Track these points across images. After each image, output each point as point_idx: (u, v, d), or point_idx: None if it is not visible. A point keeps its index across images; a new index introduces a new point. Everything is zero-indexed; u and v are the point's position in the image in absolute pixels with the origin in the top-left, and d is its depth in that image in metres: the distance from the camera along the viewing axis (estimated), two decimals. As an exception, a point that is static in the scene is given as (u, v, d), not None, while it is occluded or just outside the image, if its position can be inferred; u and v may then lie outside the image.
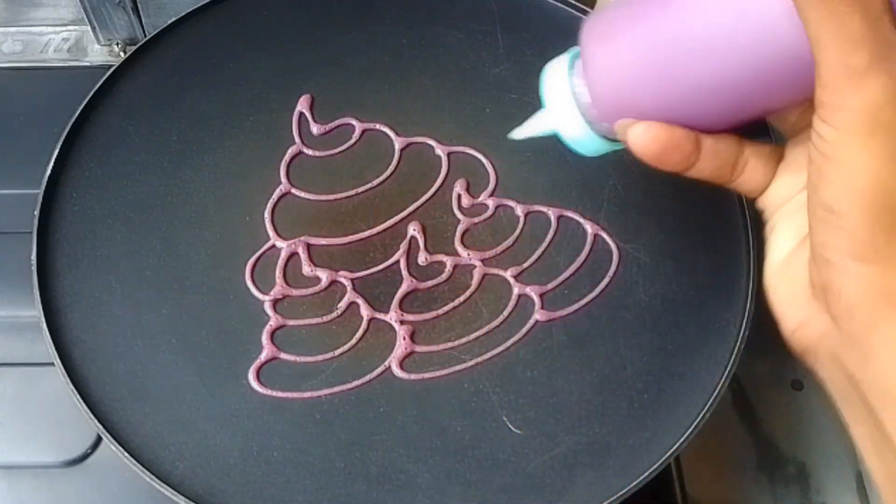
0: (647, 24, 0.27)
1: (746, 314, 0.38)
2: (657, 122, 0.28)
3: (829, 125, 0.23)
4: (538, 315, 0.38)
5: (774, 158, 0.30)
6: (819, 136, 0.24)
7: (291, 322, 0.38)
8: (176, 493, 0.34)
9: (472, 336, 0.38)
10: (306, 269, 0.39)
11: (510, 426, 0.36)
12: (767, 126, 0.32)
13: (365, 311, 0.38)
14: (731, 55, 0.26)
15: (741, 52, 0.25)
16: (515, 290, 0.39)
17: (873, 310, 0.24)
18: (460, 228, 0.40)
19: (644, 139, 0.28)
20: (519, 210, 0.41)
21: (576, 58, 0.31)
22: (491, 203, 0.41)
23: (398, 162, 0.42)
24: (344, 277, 0.39)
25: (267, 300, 0.38)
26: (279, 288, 0.39)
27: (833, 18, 0.22)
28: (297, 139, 0.43)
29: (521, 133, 0.34)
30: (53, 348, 0.36)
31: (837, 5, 0.22)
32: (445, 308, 0.39)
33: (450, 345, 0.38)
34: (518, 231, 0.40)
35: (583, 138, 0.31)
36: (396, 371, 0.37)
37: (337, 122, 0.43)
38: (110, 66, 0.44)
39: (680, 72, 0.27)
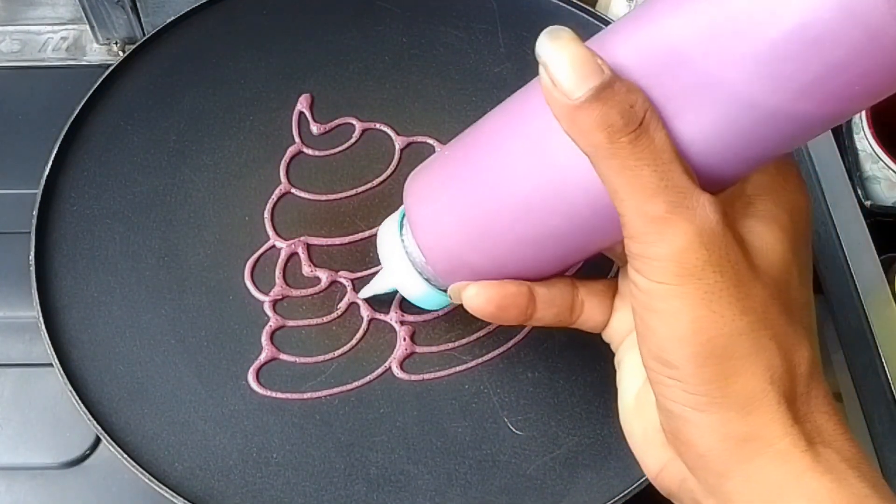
0: (462, 187, 0.27)
1: (748, 315, 0.38)
2: (489, 281, 0.28)
3: (643, 275, 0.23)
4: (539, 315, 0.38)
5: (609, 293, 0.30)
6: (636, 286, 0.24)
7: (291, 322, 0.38)
8: (175, 494, 0.34)
9: (473, 337, 0.38)
10: (306, 269, 0.39)
11: (511, 427, 0.36)
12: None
13: (365, 312, 0.38)
14: (544, 210, 0.25)
15: (553, 206, 0.25)
16: (516, 291, 0.39)
17: (722, 458, 0.23)
18: (461, 228, 0.40)
19: (478, 301, 0.28)
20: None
21: (406, 218, 0.30)
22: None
23: (398, 161, 0.42)
24: (344, 278, 0.39)
25: (266, 300, 0.38)
26: (279, 288, 0.39)
27: (625, 172, 0.22)
28: (296, 139, 0.43)
29: (366, 293, 0.35)
30: (52, 349, 0.36)
31: (627, 158, 0.22)
32: (446, 308, 0.38)
33: (450, 345, 0.38)
34: (519, 231, 0.40)
35: (425, 296, 0.31)
36: (397, 372, 0.37)
37: (337, 122, 0.43)
38: (109, 66, 0.44)
39: (499, 230, 0.27)
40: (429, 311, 0.38)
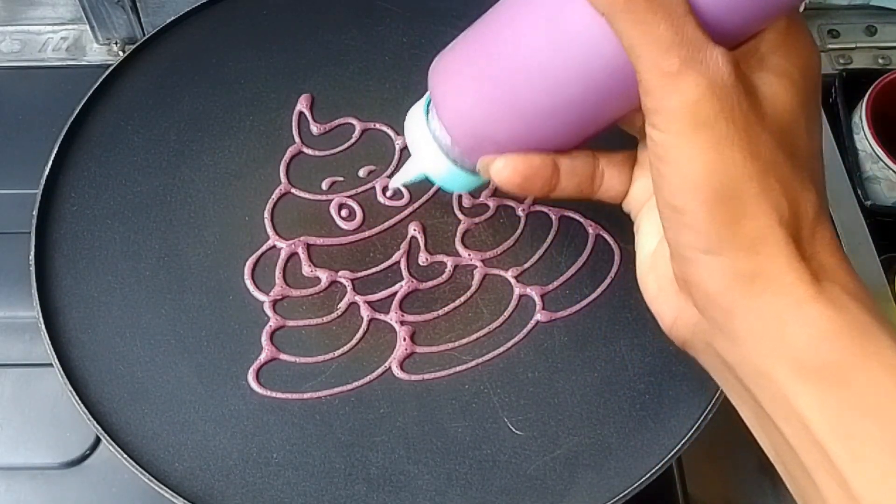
0: (483, 63, 0.28)
1: (748, 315, 0.38)
2: (514, 153, 0.29)
3: (657, 129, 0.24)
4: (539, 315, 0.38)
5: (629, 164, 0.31)
6: (652, 140, 0.25)
7: (291, 322, 0.38)
8: (175, 494, 0.34)
9: (473, 337, 0.38)
10: (306, 269, 0.39)
11: (511, 427, 0.36)
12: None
13: (365, 312, 0.38)
14: (564, 77, 0.26)
15: (572, 72, 0.26)
16: (516, 291, 0.39)
17: (729, 296, 0.25)
18: (461, 228, 0.40)
19: (505, 174, 0.29)
20: (520, 210, 0.41)
21: (431, 100, 0.31)
22: (492, 203, 0.41)
23: (398, 161, 0.42)
24: (344, 278, 0.39)
25: (266, 301, 0.38)
26: (279, 288, 0.39)
27: (640, 27, 0.23)
28: (296, 139, 0.43)
29: (396, 182, 0.35)
30: (52, 349, 0.36)
31: (643, 14, 0.23)
32: (446, 308, 0.38)
33: (450, 345, 0.38)
34: (519, 231, 0.40)
35: (452, 177, 0.32)
36: (397, 372, 0.37)
37: (337, 122, 0.43)
38: (109, 66, 0.44)
39: (522, 101, 0.28)
40: (430, 312, 0.38)
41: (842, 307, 0.24)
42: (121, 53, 0.52)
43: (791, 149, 0.25)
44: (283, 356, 0.37)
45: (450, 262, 0.40)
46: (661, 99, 0.24)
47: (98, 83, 0.43)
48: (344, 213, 0.41)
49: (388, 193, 0.39)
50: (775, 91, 0.25)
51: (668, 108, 0.24)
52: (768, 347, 0.24)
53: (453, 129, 0.30)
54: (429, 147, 0.31)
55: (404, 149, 0.42)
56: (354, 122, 0.43)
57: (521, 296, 0.39)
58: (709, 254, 0.25)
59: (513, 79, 0.28)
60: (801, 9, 0.53)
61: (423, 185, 0.41)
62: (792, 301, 0.24)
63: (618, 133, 0.30)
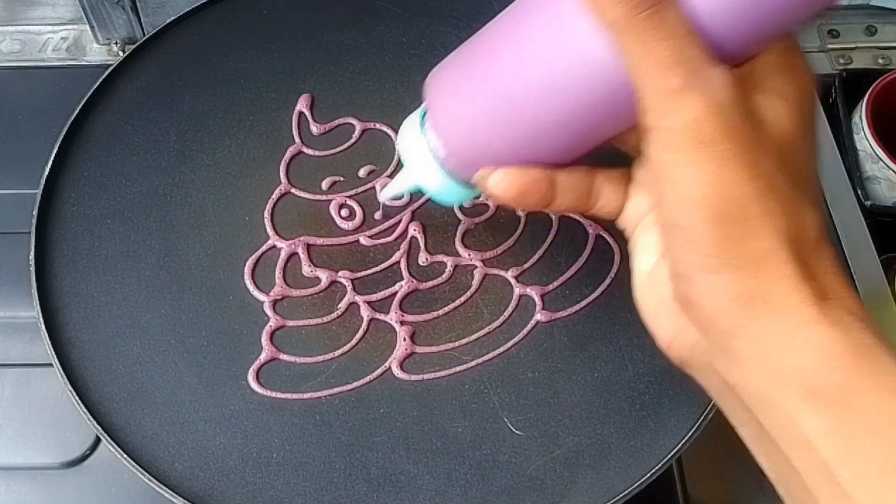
0: (481, 76, 0.28)
1: (748, 315, 0.38)
2: (511, 167, 0.29)
3: (658, 147, 0.24)
4: (539, 315, 0.38)
5: (624, 181, 0.31)
6: (651, 159, 0.25)
7: (291, 322, 0.38)
8: (175, 494, 0.34)
9: (473, 337, 0.38)
10: (306, 269, 0.39)
11: (511, 427, 0.36)
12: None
13: (365, 312, 0.38)
14: (562, 93, 0.26)
15: (571, 89, 0.26)
16: (516, 291, 0.39)
17: (731, 317, 0.25)
18: (461, 228, 0.40)
19: (501, 186, 0.29)
20: (520, 210, 0.41)
21: (427, 112, 0.31)
22: (492, 203, 0.41)
23: (398, 161, 0.42)
24: (344, 278, 0.39)
25: (266, 300, 0.38)
26: (279, 288, 0.39)
27: (644, 46, 0.23)
28: (296, 139, 0.43)
29: (385, 195, 0.35)
30: (52, 349, 0.36)
31: (644, 33, 0.23)
32: (446, 308, 0.38)
33: (450, 345, 0.38)
34: (519, 231, 0.40)
35: (445, 190, 0.32)
36: (397, 372, 0.37)
37: (337, 122, 0.43)
38: (109, 66, 0.44)
39: (519, 116, 0.28)
40: (430, 312, 0.38)
41: (846, 328, 0.24)
42: (121, 53, 0.52)
43: (791, 170, 0.25)
44: (283, 356, 0.37)
45: (450, 262, 0.40)
46: (661, 117, 0.24)
47: (98, 83, 0.43)
48: (344, 213, 0.41)
49: (380, 207, 0.39)
50: (776, 112, 0.25)
51: (669, 126, 0.24)
52: (771, 369, 0.24)
53: (449, 141, 0.30)
54: (423, 159, 0.31)
55: (404, 149, 0.42)
56: (354, 122, 0.43)
57: (521, 296, 0.39)
58: (710, 273, 0.25)
59: (511, 93, 0.27)
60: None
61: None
62: (796, 322, 0.24)
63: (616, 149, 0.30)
